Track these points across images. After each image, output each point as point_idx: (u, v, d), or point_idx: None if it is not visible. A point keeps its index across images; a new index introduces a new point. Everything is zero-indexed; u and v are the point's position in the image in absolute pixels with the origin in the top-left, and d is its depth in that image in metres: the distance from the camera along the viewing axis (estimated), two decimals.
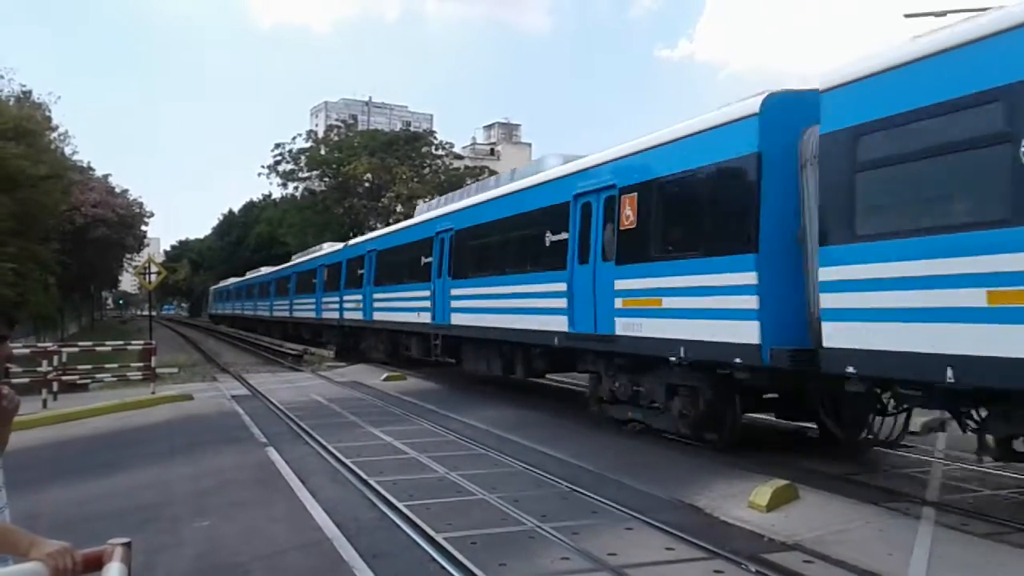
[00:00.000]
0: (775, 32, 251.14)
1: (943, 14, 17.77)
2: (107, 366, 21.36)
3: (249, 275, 61.05)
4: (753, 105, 9.88)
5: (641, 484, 9.52)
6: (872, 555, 6.82)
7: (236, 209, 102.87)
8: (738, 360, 9.93)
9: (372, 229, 64.19)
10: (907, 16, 27.71)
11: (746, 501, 8.40)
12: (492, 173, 60.35)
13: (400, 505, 8.56)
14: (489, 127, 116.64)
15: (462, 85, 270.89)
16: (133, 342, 25.07)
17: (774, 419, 12.53)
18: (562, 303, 13.86)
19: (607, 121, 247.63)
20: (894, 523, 7.82)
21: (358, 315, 28.35)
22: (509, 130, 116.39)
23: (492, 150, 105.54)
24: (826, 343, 8.63)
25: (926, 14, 18.77)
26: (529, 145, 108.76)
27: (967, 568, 6.62)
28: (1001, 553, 6.95)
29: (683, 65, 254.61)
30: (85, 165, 54.14)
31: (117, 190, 59.24)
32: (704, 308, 10.50)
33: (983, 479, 9.68)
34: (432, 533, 7.52)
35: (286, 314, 43.72)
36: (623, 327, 12.13)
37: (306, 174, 63.52)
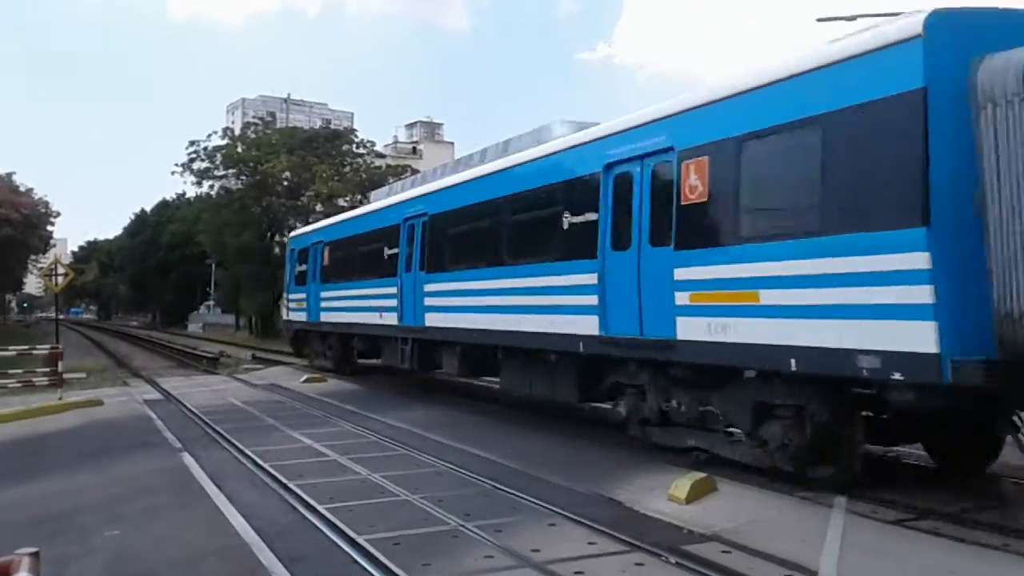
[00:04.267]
0: (691, 35, 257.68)
1: (854, 18, 18.56)
2: (11, 371, 20.43)
3: None
4: (914, 25, 7.27)
5: (563, 480, 9.59)
6: (787, 543, 7.01)
7: (148, 208, 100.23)
8: (897, 376, 7.23)
9: (292, 228, 63.40)
10: (820, 20, 28.95)
11: (666, 494, 8.55)
12: (415, 172, 59.94)
13: (321, 508, 8.43)
14: (411, 126, 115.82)
15: (383, 83, 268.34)
16: (39, 346, 24.05)
17: None
18: (591, 300, 11.04)
19: (529, 122, 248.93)
20: (808, 512, 8.05)
21: (302, 316, 24.91)
22: (431, 129, 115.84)
23: (414, 149, 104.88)
24: None
25: (838, 18, 19.59)
26: (452, 144, 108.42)
27: (877, 553, 6.85)
28: (909, 538, 7.22)
29: (603, 67, 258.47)
30: None
31: (21, 189, 56.95)
32: (835, 304, 7.75)
33: (892, 466, 10.04)
34: (353, 535, 7.43)
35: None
36: (689, 329, 9.38)
37: (222, 172, 62.06)
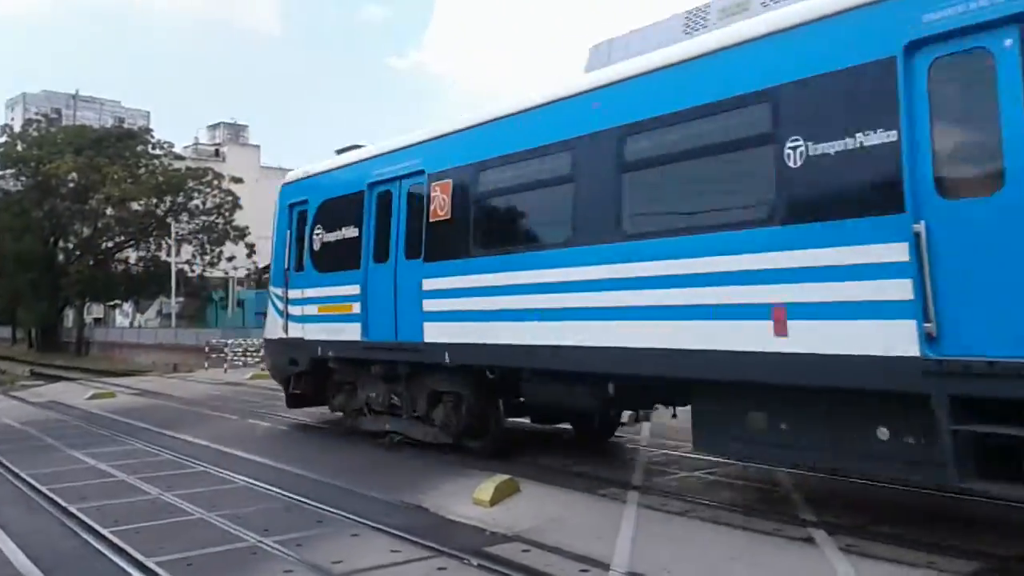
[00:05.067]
0: (499, 42, 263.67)
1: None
2: None
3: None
4: None
5: (368, 489, 9.49)
6: (584, 539, 7.29)
7: None
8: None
9: (77, 235, 59.08)
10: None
11: (471, 498, 8.66)
12: (217, 175, 57.56)
13: (105, 532, 7.86)
14: (214, 127, 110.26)
15: (185, 82, 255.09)
16: None
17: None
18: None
19: (341, 127, 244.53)
20: (604, 508, 8.42)
21: (347, 332, 12.61)
22: (236, 131, 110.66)
23: (217, 151, 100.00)
24: None
25: None
26: (258, 147, 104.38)
27: (668, 542, 7.26)
28: (693, 527, 7.71)
29: (413, 73, 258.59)
30: None
31: None
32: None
33: (679, 462, 10.69)
34: (141, 558, 6.98)
35: None
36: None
37: None
